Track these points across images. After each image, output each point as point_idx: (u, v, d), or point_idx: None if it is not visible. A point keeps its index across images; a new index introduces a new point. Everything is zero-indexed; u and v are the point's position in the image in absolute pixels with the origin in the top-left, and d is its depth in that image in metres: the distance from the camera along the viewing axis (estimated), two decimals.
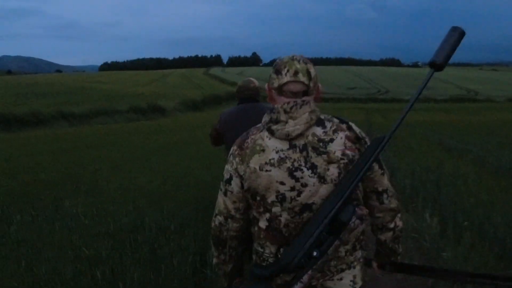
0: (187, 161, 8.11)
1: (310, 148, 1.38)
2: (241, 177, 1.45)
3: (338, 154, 1.37)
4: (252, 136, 1.46)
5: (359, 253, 1.51)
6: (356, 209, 1.34)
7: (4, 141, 13.92)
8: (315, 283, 1.45)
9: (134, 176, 6.85)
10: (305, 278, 1.31)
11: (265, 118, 1.44)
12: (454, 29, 1.37)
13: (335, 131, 1.40)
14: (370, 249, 1.68)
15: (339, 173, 1.37)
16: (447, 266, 3.20)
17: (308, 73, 1.40)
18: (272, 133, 1.39)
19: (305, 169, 1.37)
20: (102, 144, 11.50)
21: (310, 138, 1.38)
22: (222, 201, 1.52)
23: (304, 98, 1.40)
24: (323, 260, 1.32)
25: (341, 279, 1.47)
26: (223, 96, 42.17)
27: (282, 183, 1.38)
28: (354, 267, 1.49)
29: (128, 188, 6.10)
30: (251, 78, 3.15)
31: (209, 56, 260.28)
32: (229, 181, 1.49)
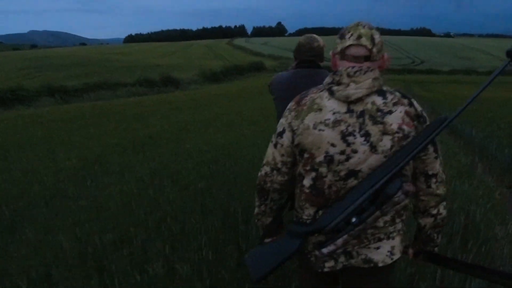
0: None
1: (367, 116, 1.36)
2: (293, 131, 1.45)
3: (394, 127, 1.35)
4: (312, 95, 1.46)
5: (399, 225, 1.48)
6: (403, 184, 1.33)
7: None
8: (350, 249, 1.45)
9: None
10: (339, 241, 1.33)
11: (327, 79, 1.43)
12: None
13: (395, 104, 1.37)
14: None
15: (392, 146, 1.36)
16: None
17: (372, 38, 1.38)
18: (332, 93, 1.40)
19: (358, 136, 1.37)
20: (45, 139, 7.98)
21: (369, 106, 1.37)
22: (271, 153, 1.53)
23: (369, 65, 1.39)
24: (361, 228, 1.33)
25: (378, 248, 1.46)
26: (246, 66, 39.51)
27: (333, 145, 1.38)
28: (393, 238, 1.47)
29: None
30: (315, 36, 2.61)
31: (233, 26, 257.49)
32: (281, 134, 1.49)
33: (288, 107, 1.50)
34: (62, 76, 32.57)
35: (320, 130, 1.38)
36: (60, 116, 12.34)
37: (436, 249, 1.59)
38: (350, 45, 1.37)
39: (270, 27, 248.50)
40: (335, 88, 1.37)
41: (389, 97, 1.37)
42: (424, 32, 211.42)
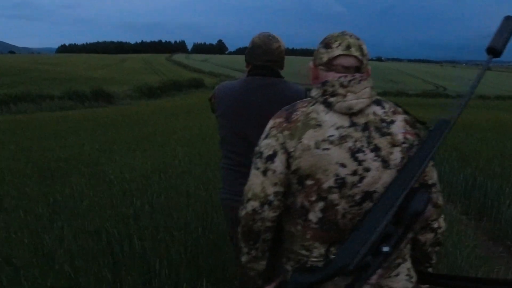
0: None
1: (372, 128, 1.20)
2: (289, 154, 1.20)
3: (400, 137, 1.21)
4: (303, 109, 1.24)
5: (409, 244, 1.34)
6: (430, 195, 1.15)
7: None
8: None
9: None
10: (374, 278, 1.07)
11: (315, 91, 1.24)
12: (508, 18, 1.27)
13: (394, 113, 1.24)
14: None
15: (402, 158, 1.19)
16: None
17: (360, 49, 1.27)
18: (329, 106, 1.20)
19: (367, 151, 1.18)
20: None
21: (371, 116, 1.21)
22: (259, 183, 1.22)
23: (361, 74, 1.24)
24: (395, 256, 1.13)
25: (397, 274, 1.26)
26: (185, 83, 38.63)
27: (343, 165, 1.17)
28: (407, 260, 1.30)
29: None
30: (275, 35, 2.00)
31: (173, 42, 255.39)
32: (272, 158, 1.21)
33: (272, 124, 1.26)
34: None
35: (324, 149, 1.18)
36: None
37: (430, 269, 1.44)
38: (339, 55, 1.25)
39: (211, 44, 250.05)
40: (332, 99, 1.20)
41: (386, 106, 1.25)
42: None
